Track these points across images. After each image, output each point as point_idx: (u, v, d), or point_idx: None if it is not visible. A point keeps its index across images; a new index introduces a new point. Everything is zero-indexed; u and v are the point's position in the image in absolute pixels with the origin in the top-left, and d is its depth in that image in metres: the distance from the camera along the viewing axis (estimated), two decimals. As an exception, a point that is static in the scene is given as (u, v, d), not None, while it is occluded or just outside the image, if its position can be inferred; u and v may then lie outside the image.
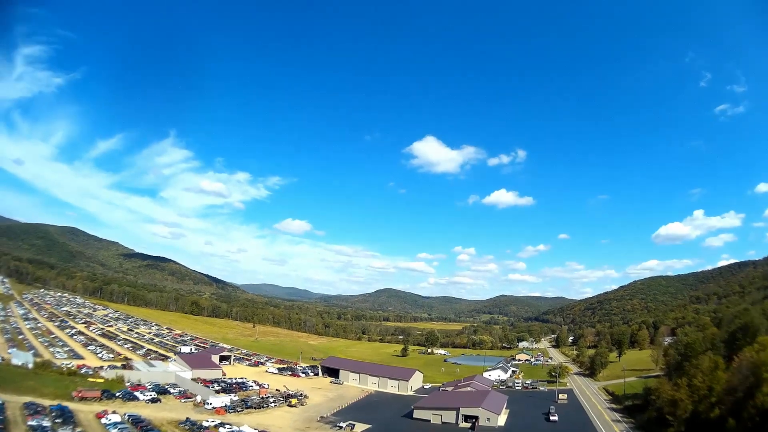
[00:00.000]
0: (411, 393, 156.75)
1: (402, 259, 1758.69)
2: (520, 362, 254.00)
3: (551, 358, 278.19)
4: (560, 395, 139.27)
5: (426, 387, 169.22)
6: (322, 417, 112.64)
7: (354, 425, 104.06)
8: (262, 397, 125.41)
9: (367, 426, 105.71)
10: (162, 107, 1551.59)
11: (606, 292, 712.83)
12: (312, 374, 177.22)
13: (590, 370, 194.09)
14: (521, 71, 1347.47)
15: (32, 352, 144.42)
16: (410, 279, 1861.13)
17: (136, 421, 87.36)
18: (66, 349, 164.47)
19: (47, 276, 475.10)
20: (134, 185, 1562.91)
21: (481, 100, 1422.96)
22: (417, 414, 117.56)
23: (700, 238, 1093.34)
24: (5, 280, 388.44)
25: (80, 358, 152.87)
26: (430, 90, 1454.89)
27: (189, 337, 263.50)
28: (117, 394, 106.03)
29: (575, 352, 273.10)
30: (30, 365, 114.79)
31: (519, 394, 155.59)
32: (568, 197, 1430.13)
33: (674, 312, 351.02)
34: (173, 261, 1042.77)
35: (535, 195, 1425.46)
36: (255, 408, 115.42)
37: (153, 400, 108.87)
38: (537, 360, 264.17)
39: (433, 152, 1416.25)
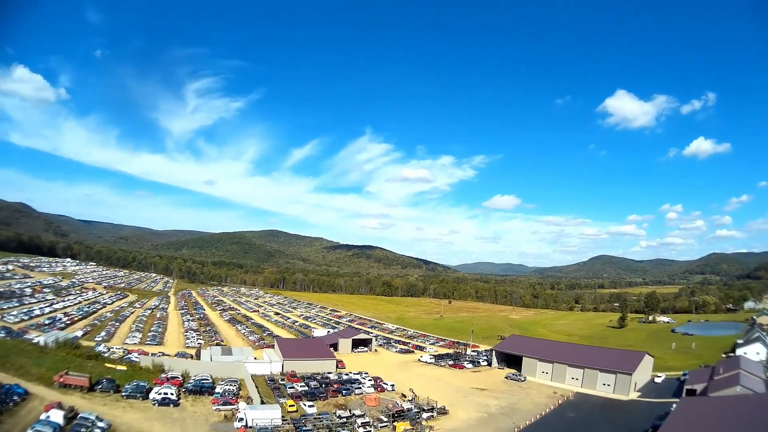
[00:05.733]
0: (634, 396, 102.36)
1: (612, 223, 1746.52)
2: (764, 326, 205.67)
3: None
4: None
5: (657, 380, 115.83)
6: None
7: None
8: (346, 417, 75.39)
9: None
10: (352, 107, 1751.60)
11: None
12: (484, 363, 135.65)
13: None
14: (702, 11, 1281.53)
15: (103, 335, 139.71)
16: (622, 244, 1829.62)
17: (81, 425, 59.66)
18: (153, 334, 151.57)
19: (228, 274, 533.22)
20: (338, 185, 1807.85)
21: (662, 43, 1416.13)
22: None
23: None
24: (170, 280, 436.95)
25: (160, 344, 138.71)
26: (614, 41, 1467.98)
27: (348, 318, 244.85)
28: (125, 387, 77.22)
29: None
30: (51, 344, 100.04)
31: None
32: (763, 139, 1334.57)
33: None
34: (380, 248, 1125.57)
35: (732, 140, 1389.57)
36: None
37: (163, 402, 74.40)
38: None
39: (627, 107, 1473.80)
